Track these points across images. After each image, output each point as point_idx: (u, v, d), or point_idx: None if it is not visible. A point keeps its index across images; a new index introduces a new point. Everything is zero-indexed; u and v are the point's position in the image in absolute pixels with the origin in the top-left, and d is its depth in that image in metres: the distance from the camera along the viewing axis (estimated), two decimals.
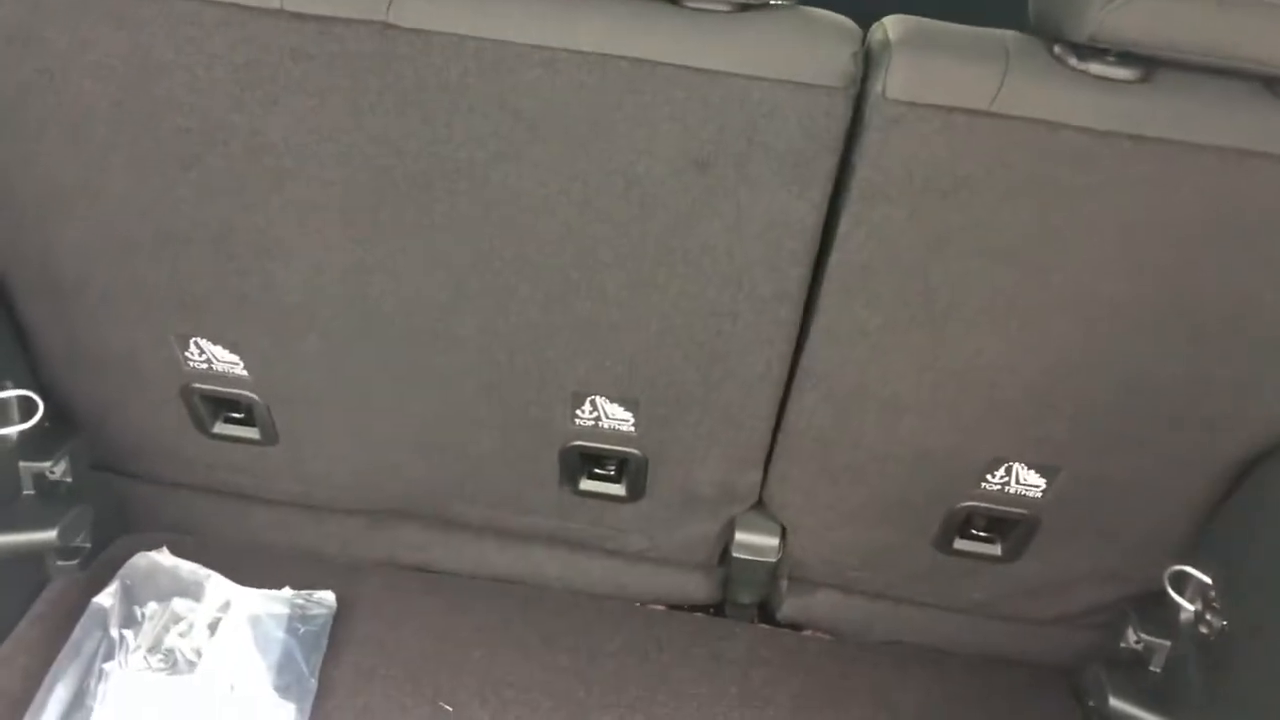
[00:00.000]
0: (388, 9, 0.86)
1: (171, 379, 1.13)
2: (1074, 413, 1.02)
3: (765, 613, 1.32)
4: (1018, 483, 1.10)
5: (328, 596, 1.22)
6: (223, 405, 1.19)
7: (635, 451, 1.15)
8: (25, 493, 1.14)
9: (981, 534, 1.18)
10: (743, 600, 1.30)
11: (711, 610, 1.33)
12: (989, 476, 1.09)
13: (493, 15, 0.86)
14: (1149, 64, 0.84)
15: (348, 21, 0.86)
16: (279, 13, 0.86)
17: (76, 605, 1.17)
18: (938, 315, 0.97)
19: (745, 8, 0.87)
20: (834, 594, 1.29)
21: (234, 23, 0.87)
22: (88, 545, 1.20)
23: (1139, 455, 1.05)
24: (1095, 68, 0.84)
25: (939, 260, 0.94)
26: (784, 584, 1.28)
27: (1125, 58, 0.83)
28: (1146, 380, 0.99)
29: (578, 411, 1.12)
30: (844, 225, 0.93)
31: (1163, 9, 0.78)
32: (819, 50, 0.86)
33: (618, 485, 1.20)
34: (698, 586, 1.31)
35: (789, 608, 1.30)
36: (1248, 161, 0.84)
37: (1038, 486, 1.10)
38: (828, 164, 0.89)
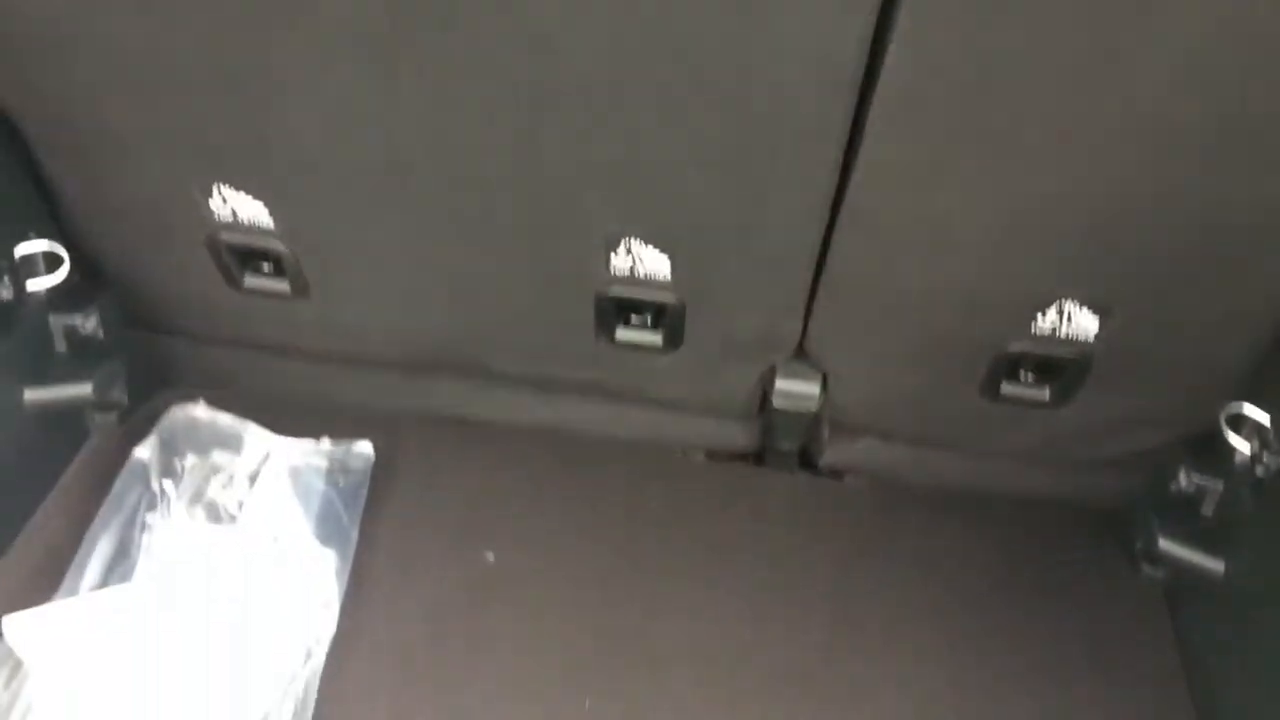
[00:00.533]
0: None
1: (196, 229, 1.11)
2: (1134, 248, 0.97)
3: (806, 460, 1.30)
4: (1070, 324, 1.06)
5: (366, 447, 1.22)
6: (251, 257, 1.16)
7: (672, 299, 1.12)
8: (58, 349, 1.14)
9: (1029, 378, 1.15)
10: (783, 448, 1.28)
11: (752, 459, 1.32)
12: (1040, 318, 1.05)
13: None
14: None
15: None
16: None
17: (116, 460, 1.17)
18: (991, 146, 0.92)
19: None
20: (876, 441, 1.27)
21: None
22: (124, 400, 1.20)
23: (1201, 294, 1.01)
24: None
25: (993, 86, 0.88)
26: (825, 431, 1.26)
27: None
28: (1213, 213, 0.94)
29: (612, 258, 1.08)
30: (892, 50, 0.87)
31: None
32: None
33: (655, 335, 1.17)
34: (738, 435, 1.30)
35: (830, 455, 1.28)
36: None
37: (1090, 328, 1.06)
38: None
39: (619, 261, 1.08)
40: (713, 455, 1.31)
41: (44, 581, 1.07)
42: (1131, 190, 0.93)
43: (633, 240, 1.06)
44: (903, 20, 0.85)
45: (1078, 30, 0.84)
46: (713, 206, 1.01)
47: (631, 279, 1.10)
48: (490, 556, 1.16)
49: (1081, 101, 0.88)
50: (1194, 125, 0.88)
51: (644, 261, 1.09)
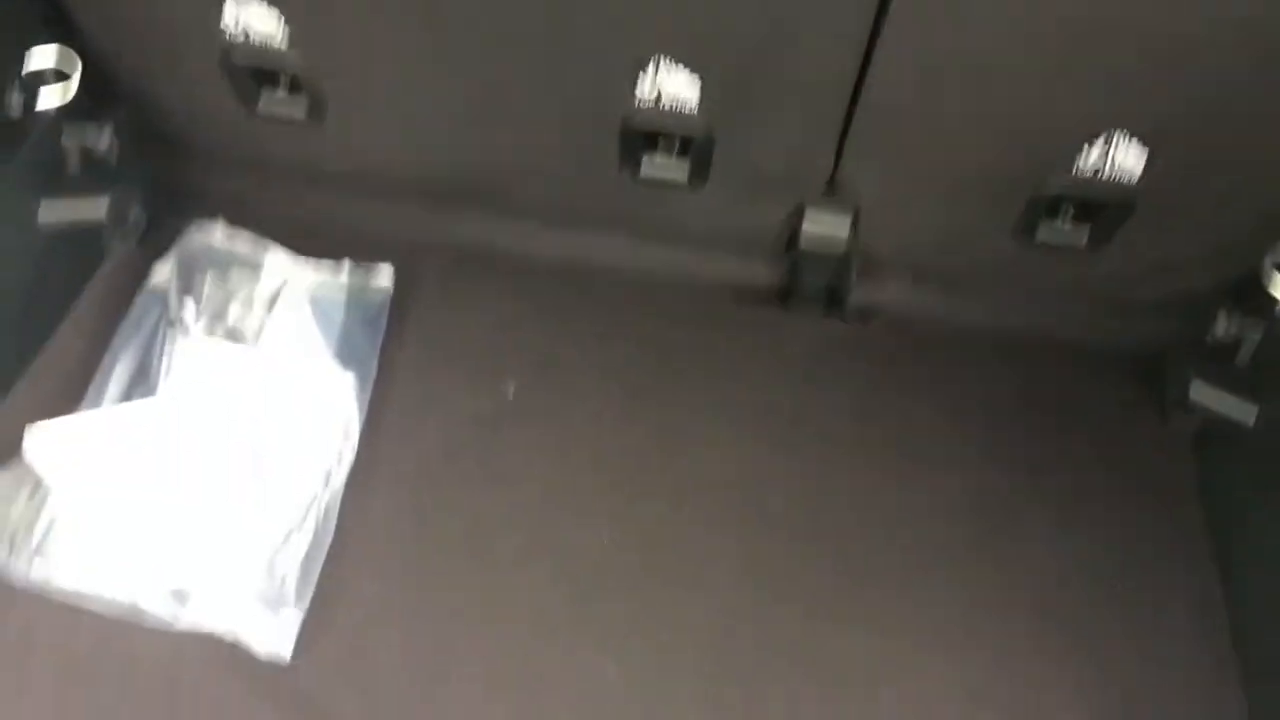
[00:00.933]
0: None
1: (210, 47, 1.07)
2: (1187, 77, 0.92)
3: (833, 300, 1.28)
4: (1113, 164, 1.01)
5: (387, 272, 1.20)
6: (266, 79, 1.13)
7: (699, 130, 1.08)
8: (72, 169, 1.12)
9: (1066, 221, 1.11)
10: (810, 289, 1.26)
11: (778, 298, 1.29)
12: (1083, 154, 1.01)
13: None
14: None
15: None
16: None
17: (134, 282, 1.17)
18: None
19: None
20: (905, 283, 1.24)
21: None
22: (142, 223, 1.18)
23: (1253, 130, 0.96)
24: None
25: None
26: (854, 272, 1.23)
27: None
28: (1267, 45, 0.88)
29: (640, 80, 1.04)
30: None
31: None
32: None
33: (680, 167, 1.14)
34: (764, 274, 1.27)
35: (858, 297, 1.25)
36: None
37: (1135, 168, 1.01)
38: None
39: (646, 89, 1.04)
40: (738, 295, 1.29)
41: (63, 404, 1.07)
42: (1183, 17, 0.87)
43: (660, 65, 1.02)
44: None
45: None
46: (744, 31, 0.97)
47: (658, 109, 1.06)
48: (510, 391, 1.15)
49: None
50: None
51: (671, 87, 1.04)
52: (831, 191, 1.15)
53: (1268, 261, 1.04)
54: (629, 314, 1.24)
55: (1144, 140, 0.98)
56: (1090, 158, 1.01)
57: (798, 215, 1.16)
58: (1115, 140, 0.99)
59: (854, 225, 1.15)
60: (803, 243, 1.17)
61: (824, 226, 1.16)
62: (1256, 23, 0.87)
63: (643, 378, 1.18)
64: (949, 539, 1.08)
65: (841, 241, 1.16)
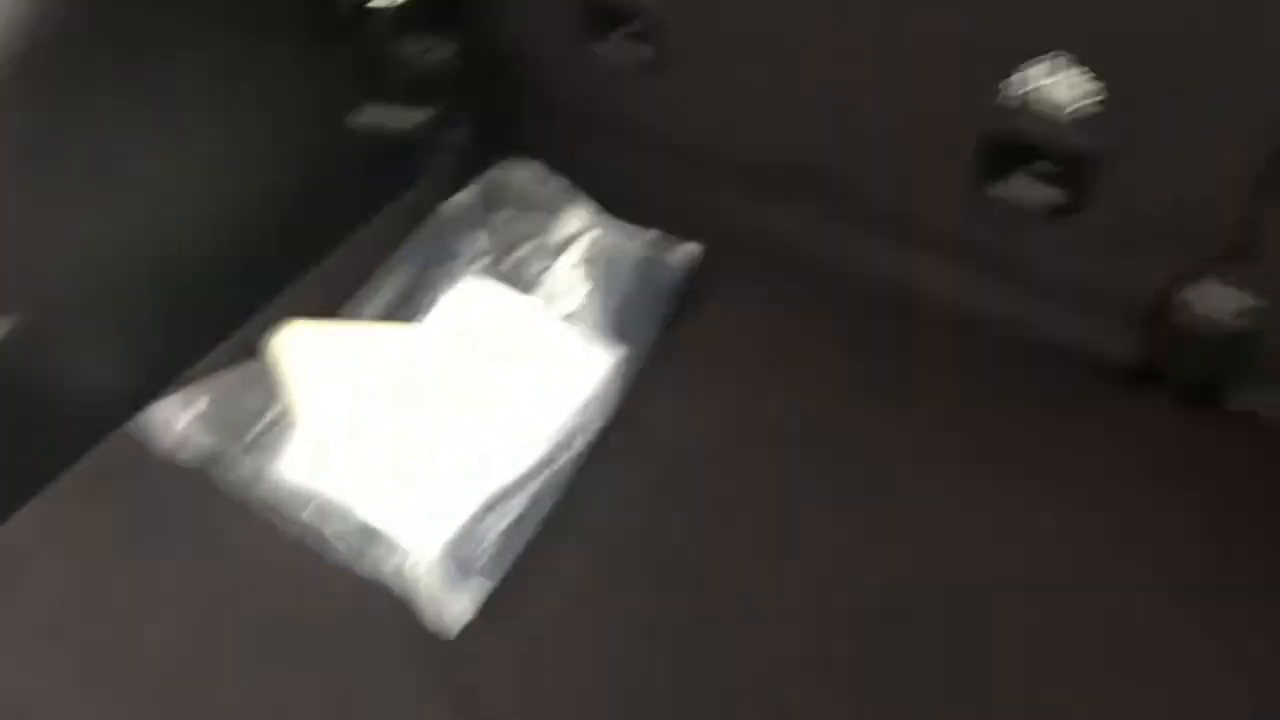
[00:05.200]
0: None
1: None
2: None
3: (1209, 394, 1.01)
4: None
5: (691, 250, 1.09)
6: (614, 21, 1.06)
7: (1080, 150, 0.89)
8: (401, 80, 1.09)
9: None
10: (1182, 375, 1.01)
11: (1135, 379, 1.04)
12: None
13: None
14: None
15: None
16: None
17: (433, 203, 1.12)
18: None
19: None
20: None
21: None
22: (459, 149, 1.15)
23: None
24: None
25: None
26: (1247, 365, 0.97)
27: None
28: None
29: (1013, 83, 0.87)
30: None
31: None
32: None
33: (1047, 194, 0.95)
34: (1122, 345, 1.03)
35: (1251, 395, 0.98)
36: None
37: None
38: None
39: (1021, 88, 0.87)
40: (1086, 365, 1.06)
41: (325, 314, 1.04)
42: None
43: (1050, 55, 0.84)
44: None
45: None
46: (1171, 32, 0.78)
47: (1032, 112, 0.88)
48: (785, 409, 1.00)
49: None
50: None
51: (1053, 92, 0.86)
52: (1235, 257, 0.91)
53: None
54: (944, 356, 1.05)
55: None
56: None
57: (1183, 280, 0.94)
58: None
59: (1256, 306, 0.91)
60: (1183, 316, 0.94)
61: (1215, 299, 0.93)
62: None
63: (944, 446, 0.98)
64: None
65: (1232, 317, 0.92)
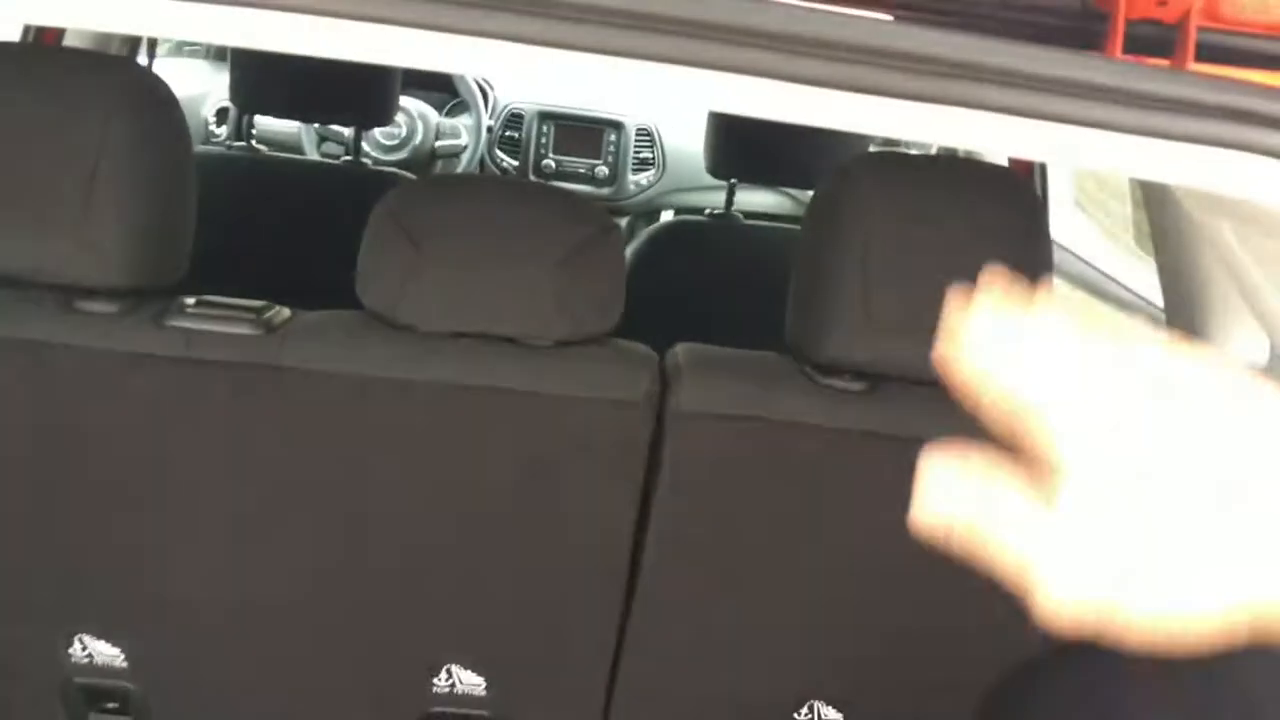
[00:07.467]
0: (279, 353, 1.05)
1: (54, 674, 1.22)
2: (855, 657, 1.22)
3: None
4: None
5: None
6: (99, 695, 1.27)
7: (486, 714, 1.29)
8: None
9: None
10: None
11: None
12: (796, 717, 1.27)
13: (360, 355, 1.06)
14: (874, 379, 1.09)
15: (244, 365, 1.05)
16: (183, 360, 1.04)
17: None
18: (739, 581, 1.17)
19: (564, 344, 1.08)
20: None
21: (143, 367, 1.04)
22: None
23: (918, 694, 1.25)
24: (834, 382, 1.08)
25: (734, 535, 1.15)
26: None
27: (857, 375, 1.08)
28: (910, 630, 1.20)
29: (434, 680, 1.26)
30: (655, 511, 1.13)
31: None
32: (624, 373, 1.09)
33: None
34: None
35: None
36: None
37: None
38: (639, 462, 1.10)
39: (440, 683, 1.26)
40: None
41: None
42: (842, 614, 1.19)
43: (453, 666, 1.25)
44: (662, 491, 1.12)
45: (788, 494, 1.12)
46: (521, 638, 1.22)
47: (452, 696, 1.27)
48: None
49: (796, 546, 1.16)
50: (887, 562, 1.16)
51: (463, 682, 1.27)
52: None
53: None
54: None
55: (838, 703, 1.26)
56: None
57: None
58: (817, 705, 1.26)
59: None
60: None
61: None
62: (892, 614, 1.18)
63: None
64: None
65: None
